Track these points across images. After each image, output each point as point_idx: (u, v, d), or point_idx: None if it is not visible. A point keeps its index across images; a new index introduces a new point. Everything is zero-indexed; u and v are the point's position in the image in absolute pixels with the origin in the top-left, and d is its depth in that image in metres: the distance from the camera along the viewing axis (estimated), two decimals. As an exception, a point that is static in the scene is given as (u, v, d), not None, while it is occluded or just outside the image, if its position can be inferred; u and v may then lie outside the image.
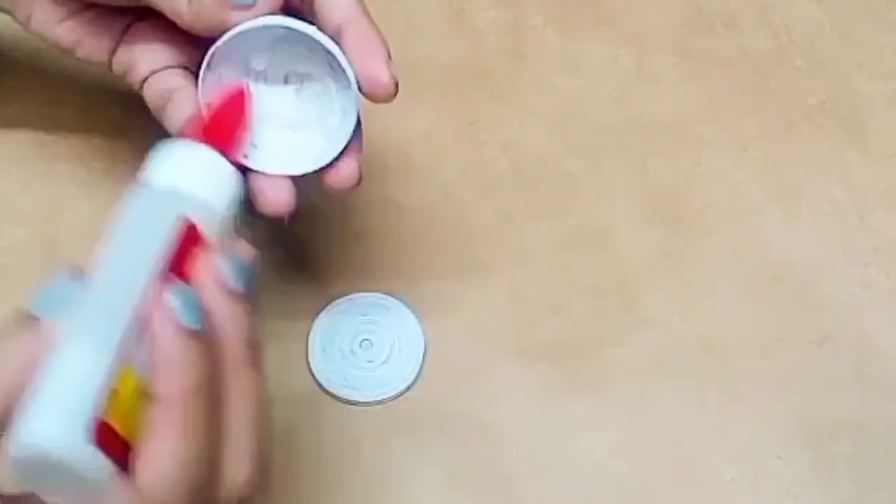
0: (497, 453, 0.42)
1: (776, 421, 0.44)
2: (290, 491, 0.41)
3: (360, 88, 0.35)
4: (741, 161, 0.51)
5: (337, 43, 0.35)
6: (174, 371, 0.27)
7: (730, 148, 0.51)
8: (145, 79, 0.38)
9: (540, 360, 0.45)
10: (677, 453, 0.43)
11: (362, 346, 0.44)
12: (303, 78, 0.38)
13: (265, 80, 0.38)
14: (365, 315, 0.45)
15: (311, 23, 0.36)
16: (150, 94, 0.38)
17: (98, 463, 0.26)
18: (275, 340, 0.43)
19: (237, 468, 0.29)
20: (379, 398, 0.43)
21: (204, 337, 0.28)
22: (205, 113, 0.35)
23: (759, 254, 0.48)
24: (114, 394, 0.26)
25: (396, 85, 0.35)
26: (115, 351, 0.27)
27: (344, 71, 0.35)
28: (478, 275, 0.47)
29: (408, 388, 0.43)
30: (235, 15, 0.35)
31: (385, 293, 0.45)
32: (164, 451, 0.27)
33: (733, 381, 0.45)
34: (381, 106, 0.51)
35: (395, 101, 0.49)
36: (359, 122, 0.37)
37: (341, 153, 0.36)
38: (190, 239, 0.30)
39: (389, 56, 0.36)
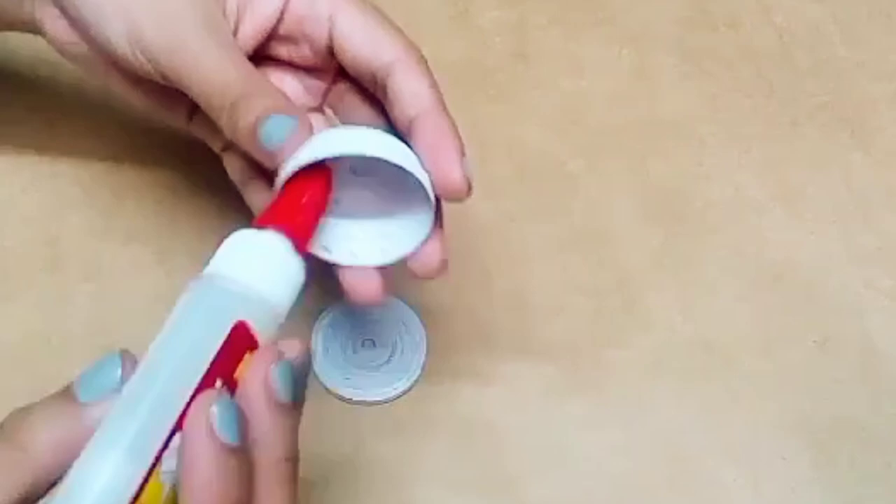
0: (498, 453, 0.42)
1: (778, 421, 0.44)
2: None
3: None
4: (743, 161, 0.51)
5: (408, 136, 0.34)
6: (206, 489, 0.26)
7: (732, 148, 0.51)
8: (224, 148, 0.38)
9: (541, 360, 0.45)
10: (678, 453, 0.43)
11: (364, 345, 0.44)
12: (378, 169, 0.35)
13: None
14: (367, 315, 0.45)
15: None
16: (231, 168, 0.37)
17: None
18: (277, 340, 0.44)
19: None
20: (381, 398, 0.43)
21: (241, 453, 0.26)
22: (283, 198, 0.33)
23: (761, 254, 0.48)
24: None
25: (470, 186, 0.34)
26: (148, 462, 0.26)
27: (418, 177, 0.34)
28: (479, 274, 0.47)
29: (409, 388, 0.43)
30: (263, 157, 0.33)
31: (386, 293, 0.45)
32: None
33: (735, 381, 0.45)
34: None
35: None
36: (438, 206, 0.35)
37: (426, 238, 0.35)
38: (243, 342, 0.28)
39: (463, 152, 0.35)
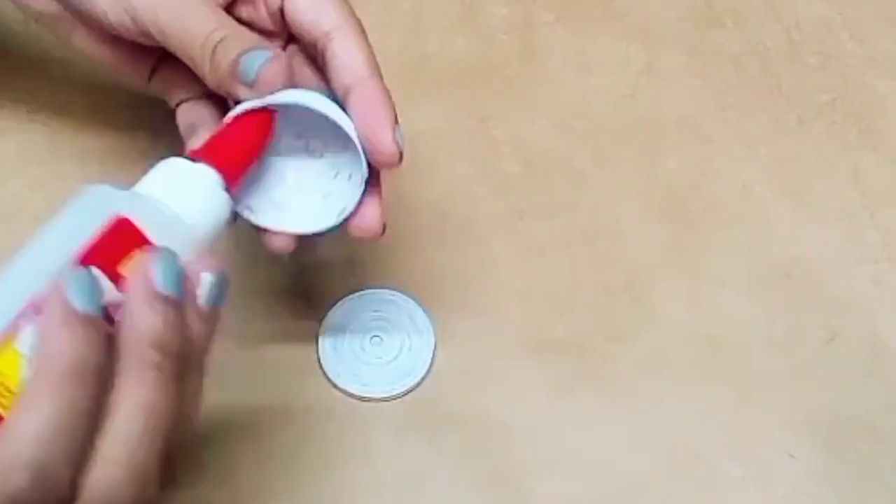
0: (506, 449, 0.43)
1: (786, 418, 0.44)
2: (301, 488, 0.41)
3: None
4: (751, 158, 0.51)
5: (345, 104, 0.36)
6: (54, 345, 0.27)
7: (740, 145, 0.51)
8: (178, 105, 0.40)
9: (549, 356, 0.45)
10: (686, 450, 0.43)
11: (372, 342, 0.44)
12: (312, 135, 0.38)
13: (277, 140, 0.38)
14: (375, 311, 0.45)
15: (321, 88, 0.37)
16: (181, 122, 0.39)
17: None
18: (285, 339, 0.44)
19: (103, 471, 0.27)
20: (390, 394, 0.43)
21: (99, 324, 0.28)
22: (220, 136, 0.35)
23: (769, 250, 0.48)
24: None
25: (401, 154, 0.36)
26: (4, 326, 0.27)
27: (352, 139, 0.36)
28: (487, 271, 0.47)
29: (418, 384, 0.43)
30: (243, 90, 0.35)
31: (395, 289, 0.46)
32: (24, 419, 0.26)
33: (743, 377, 0.45)
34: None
35: (406, 98, 0.49)
36: (374, 173, 0.37)
37: (358, 205, 0.37)
38: (129, 239, 0.30)
39: (396, 121, 0.36)
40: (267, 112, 0.35)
